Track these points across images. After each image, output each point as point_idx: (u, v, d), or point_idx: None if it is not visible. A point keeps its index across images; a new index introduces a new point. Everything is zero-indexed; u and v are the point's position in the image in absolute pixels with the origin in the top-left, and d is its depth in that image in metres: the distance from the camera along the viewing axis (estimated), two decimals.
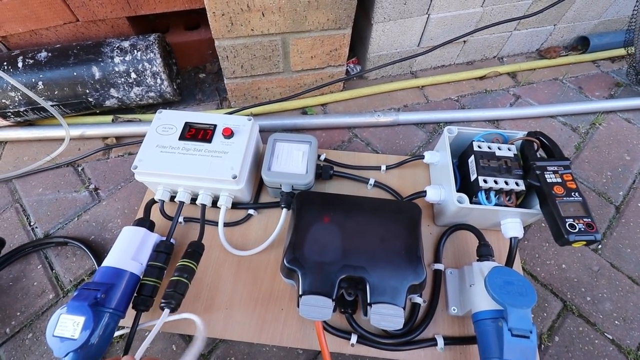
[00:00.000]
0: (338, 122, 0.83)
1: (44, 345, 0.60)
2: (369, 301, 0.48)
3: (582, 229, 0.49)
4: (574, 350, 0.59)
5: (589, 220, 0.49)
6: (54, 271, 0.66)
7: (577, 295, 0.64)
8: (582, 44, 1.02)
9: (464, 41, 0.90)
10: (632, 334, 0.61)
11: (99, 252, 0.67)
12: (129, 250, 0.54)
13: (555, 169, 0.55)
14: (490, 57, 1.00)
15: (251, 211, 0.66)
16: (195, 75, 0.95)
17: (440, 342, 0.54)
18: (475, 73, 0.94)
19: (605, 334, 0.61)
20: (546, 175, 0.54)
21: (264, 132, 0.80)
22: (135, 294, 0.53)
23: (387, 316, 0.47)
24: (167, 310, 0.51)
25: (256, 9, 0.65)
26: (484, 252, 0.55)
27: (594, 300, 0.64)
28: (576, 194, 0.52)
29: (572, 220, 0.49)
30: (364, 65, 0.91)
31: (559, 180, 0.53)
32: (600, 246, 0.69)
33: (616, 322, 0.62)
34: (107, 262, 0.53)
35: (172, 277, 0.53)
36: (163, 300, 0.51)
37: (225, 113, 0.80)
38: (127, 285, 0.51)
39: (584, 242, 0.49)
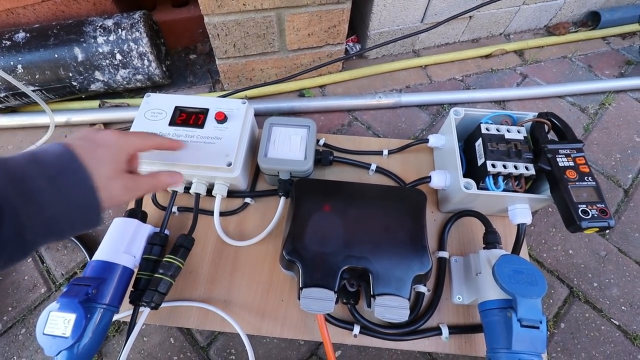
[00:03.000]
0: (337, 104, 0.79)
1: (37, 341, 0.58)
2: (372, 293, 0.46)
3: (595, 215, 0.46)
4: (580, 337, 0.59)
5: (603, 205, 0.47)
6: (44, 264, 0.64)
7: (583, 281, 0.63)
8: (592, 19, 0.97)
9: (470, 17, 0.85)
10: (638, 320, 0.60)
11: (90, 244, 0.64)
12: (121, 243, 0.52)
13: (568, 152, 0.52)
14: (497, 34, 0.95)
15: (248, 200, 0.63)
16: (185, 57, 0.90)
17: (445, 331, 0.53)
18: (480, 51, 0.89)
19: (612, 320, 0.60)
20: (558, 159, 0.51)
21: (259, 116, 0.76)
22: (132, 289, 0.51)
23: (391, 308, 0.45)
24: (147, 310, 0.50)
25: None
26: (491, 239, 0.53)
27: (601, 286, 0.63)
28: (589, 178, 0.49)
29: (584, 205, 0.47)
30: (364, 43, 0.86)
31: (572, 164, 0.51)
32: (608, 231, 0.68)
33: (623, 307, 0.61)
34: (98, 255, 0.50)
35: (156, 275, 0.51)
36: (144, 300, 0.49)
37: (219, 96, 0.76)
38: (120, 279, 0.49)
39: (597, 229, 0.47)
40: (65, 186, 0.30)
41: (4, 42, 0.69)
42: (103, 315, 0.46)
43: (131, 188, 0.36)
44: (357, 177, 0.67)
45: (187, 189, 0.60)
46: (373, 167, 0.66)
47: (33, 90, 0.71)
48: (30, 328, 0.59)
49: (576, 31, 0.96)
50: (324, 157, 0.64)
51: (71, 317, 0.44)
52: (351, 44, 0.88)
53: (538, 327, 0.43)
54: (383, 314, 0.45)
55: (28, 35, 0.70)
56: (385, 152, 0.68)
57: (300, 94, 0.84)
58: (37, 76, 0.71)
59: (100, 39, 0.70)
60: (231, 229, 0.62)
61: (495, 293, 0.47)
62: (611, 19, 0.94)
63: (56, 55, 0.70)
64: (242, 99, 0.61)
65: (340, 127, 0.79)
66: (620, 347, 0.58)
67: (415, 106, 0.82)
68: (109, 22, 0.71)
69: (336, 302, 0.47)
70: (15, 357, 0.57)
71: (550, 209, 0.69)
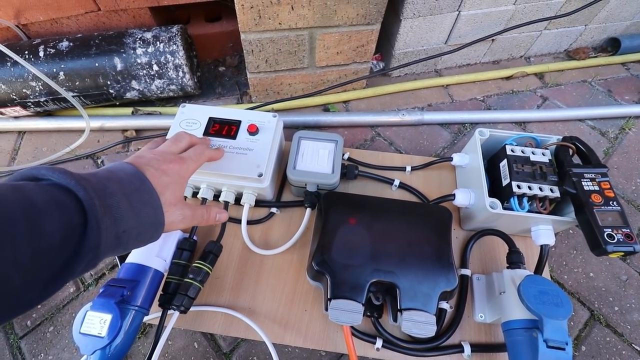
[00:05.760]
0: (361, 120, 0.81)
1: (65, 339, 0.60)
2: (399, 307, 0.47)
3: (621, 240, 0.47)
4: None
5: (628, 230, 0.48)
6: None
7: (604, 304, 0.63)
8: (612, 45, 0.99)
9: (493, 40, 0.88)
10: None
11: None
12: (153, 247, 0.54)
13: (593, 176, 0.53)
14: (517, 56, 0.97)
15: (274, 209, 0.65)
16: (215, 69, 0.94)
17: (467, 349, 0.53)
18: (501, 73, 0.91)
19: (633, 345, 0.60)
20: (583, 183, 0.52)
21: (285, 128, 0.78)
22: (161, 292, 0.52)
23: (418, 323, 0.46)
24: (176, 313, 0.51)
25: (285, 2, 0.63)
26: (515, 259, 0.54)
27: (622, 310, 0.63)
28: (614, 202, 0.50)
29: (610, 230, 0.48)
30: (388, 62, 0.89)
31: (597, 188, 0.52)
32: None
33: None
34: (132, 258, 0.52)
35: (186, 279, 0.52)
36: (174, 304, 0.51)
37: (247, 108, 0.78)
38: (151, 282, 0.51)
39: (622, 253, 0.47)
40: (139, 204, 0.32)
41: (48, 49, 0.73)
42: (135, 317, 0.48)
43: (188, 217, 0.39)
44: (380, 191, 0.68)
45: (216, 197, 0.62)
46: (396, 182, 0.67)
47: (73, 96, 0.74)
48: (58, 326, 0.61)
49: (596, 56, 0.98)
50: (349, 171, 0.65)
51: (107, 317, 0.45)
52: (375, 61, 0.91)
53: (564, 349, 0.43)
54: (410, 329, 0.46)
55: (71, 44, 0.74)
56: (409, 168, 0.69)
57: (325, 108, 0.86)
58: (77, 83, 0.74)
59: (139, 50, 0.74)
60: (257, 237, 0.63)
61: (520, 313, 0.47)
62: (631, 46, 0.96)
63: (97, 64, 0.73)
64: (270, 111, 0.63)
65: (364, 142, 0.81)
66: None
67: (437, 124, 0.83)
68: (148, 35, 0.75)
69: (362, 315, 0.48)
70: (42, 355, 0.59)
71: (571, 231, 0.69)
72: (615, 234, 0.48)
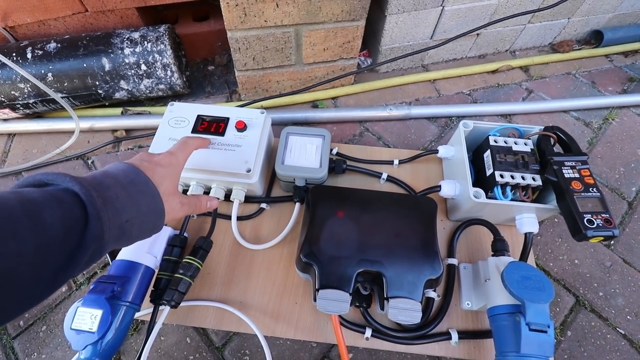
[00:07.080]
0: (349, 115, 0.82)
1: (58, 338, 0.60)
2: (386, 295, 0.48)
3: (600, 225, 0.48)
4: (586, 345, 0.60)
5: (607, 215, 0.49)
6: None
7: (589, 290, 0.64)
8: (595, 37, 1.01)
9: (477, 34, 0.89)
10: None
11: None
12: (144, 244, 0.54)
13: (573, 164, 0.54)
14: (503, 50, 0.99)
15: (263, 205, 0.66)
16: (204, 68, 0.94)
17: (455, 336, 0.54)
18: (487, 67, 0.93)
19: (617, 329, 0.61)
20: (564, 171, 0.54)
21: (275, 125, 0.79)
22: (152, 288, 0.53)
23: (404, 310, 0.47)
24: (167, 308, 0.52)
25: (270, 0, 0.64)
26: (500, 247, 0.55)
27: (606, 295, 0.64)
28: (594, 189, 0.52)
29: (590, 215, 0.49)
30: (375, 58, 0.90)
31: (577, 175, 0.53)
32: (612, 242, 0.69)
33: (628, 317, 0.62)
34: (122, 255, 0.53)
35: (176, 275, 0.53)
36: (165, 299, 0.51)
37: (236, 106, 0.79)
38: (142, 278, 0.52)
39: (602, 238, 0.49)
40: (137, 194, 0.33)
41: (36, 51, 0.73)
42: (126, 313, 0.48)
43: (185, 204, 0.41)
44: (369, 185, 0.69)
45: (206, 193, 0.62)
46: (384, 175, 0.68)
47: (61, 97, 0.74)
48: (50, 325, 0.61)
49: (580, 49, 1.00)
50: (337, 165, 0.66)
51: (98, 312, 0.46)
52: (362, 58, 0.92)
53: (546, 332, 0.44)
54: (396, 316, 0.47)
55: (59, 45, 0.74)
56: (396, 161, 0.70)
57: (314, 104, 0.87)
58: (65, 84, 0.74)
59: (127, 50, 0.74)
60: (247, 232, 0.64)
61: (503, 298, 0.48)
62: (613, 38, 0.98)
63: (85, 65, 0.73)
64: (259, 109, 0.64)
65: (352, 137, 0.82)
66: (626, 356, 0.59)
67: (424, 118, 0.85)
68: (136, 35, 0.75)
69: (350, 305, 0.49)
70: (35, 354, 0.59)
71: (556, 220, 0.71)
72: (595, 219, 0.49)
